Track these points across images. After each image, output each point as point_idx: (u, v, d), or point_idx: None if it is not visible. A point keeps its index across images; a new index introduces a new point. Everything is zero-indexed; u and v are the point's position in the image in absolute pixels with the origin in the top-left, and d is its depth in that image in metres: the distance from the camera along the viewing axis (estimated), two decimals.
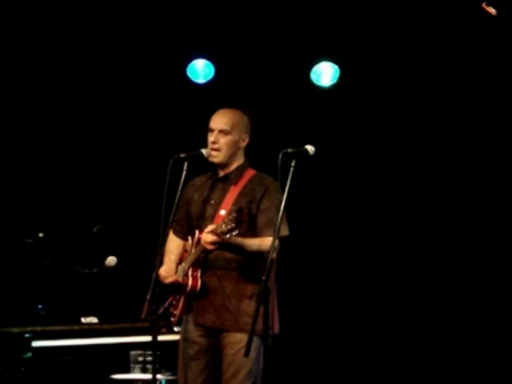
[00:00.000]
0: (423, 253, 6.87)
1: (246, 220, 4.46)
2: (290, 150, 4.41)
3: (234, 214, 4.40)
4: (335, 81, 6.96)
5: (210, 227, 4.53)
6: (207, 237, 4.52)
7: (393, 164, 6.91)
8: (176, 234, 4.93)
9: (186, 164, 4.63)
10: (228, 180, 4.80)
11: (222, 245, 4.52)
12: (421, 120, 6.83)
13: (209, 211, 4.77)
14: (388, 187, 6.93)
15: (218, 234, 4.45)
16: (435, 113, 6.80)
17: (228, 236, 4.44)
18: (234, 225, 4.39)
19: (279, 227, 4.33)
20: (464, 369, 6.60)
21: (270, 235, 4.46)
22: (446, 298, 6.77)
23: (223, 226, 4.43)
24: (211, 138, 4.77)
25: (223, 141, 4.76)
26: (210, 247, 4.54)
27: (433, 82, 6.76)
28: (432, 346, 6.75)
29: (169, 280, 4.76)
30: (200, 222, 4.78)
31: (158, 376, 5.47)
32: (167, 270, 4.78)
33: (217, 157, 4.76)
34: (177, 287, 4.77)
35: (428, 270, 6.83)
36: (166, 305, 4.84)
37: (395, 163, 6.91)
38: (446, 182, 6.83)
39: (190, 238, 4.83)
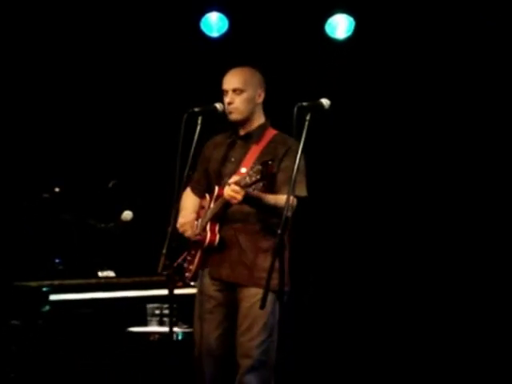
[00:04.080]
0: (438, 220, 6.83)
1: (271, 174, 4.38)
2: (304, 104, 4.37)
3: (259, 167, 4.33)
4: (350, 33, 6.90)
5: (234, 178, 4.47)
6: (231, 188, 4.46)
7: (409, 116, 6.86)
8: (194, 191, 4.92)
9: (200, 118, 4.59)
10: (250, 138, 4.77)
11: (245, 196, 4.47)
12: (438, 73, 6.76)
13: (229, 168, 4.75)
14: (405, 140, 6.88)
15: (241, 186, 4.41)
16: (453, 66, 6.72)
17: (252, 189, 4.40)
18: (258, 177, 4.33)
19: (294, 184, 4.27)
20: (466, 367, 6.59)
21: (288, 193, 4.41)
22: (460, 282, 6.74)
23: (247, 178, 4.38)
24: (226, 99, 4.73)
25: (239, 99, 4.72)
26: (233, 200, 4.48)
27: (452, 37, 6.67)
28: (438, 325, 6.75)
29: (189, 233, 4.76)
30: (219, 179, 4.76)
31: (175, 329, 5.53)
32: (186, 222, 4.77)
33: (235, 115, 4.74)
34: (194, 242, 4.78)
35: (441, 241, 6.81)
36: (180, 260, 4.85)
37: (411, 116, 6.86)
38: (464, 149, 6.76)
39: (207, 195, 4.81)
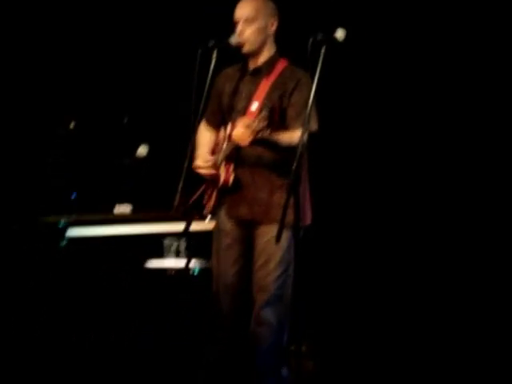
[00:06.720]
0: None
1: (278, 119, 4.40)
2: (319, 37, 4.32)
3: (267, 113, 4.35)
4: None
5: (242, 122, 4.47)
6: (239, 131, 4.47)
7: (428, 53, 6.74)
8: (209, 124, 4.91)
9: (215, 52, 4.57)
10: (259, 72, 4.74)
11: (253, 141, 4.47)
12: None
13: (240, 104, 4.73)
14: (423, 77, 6.78)
15: (250, 130, 4.40)
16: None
17: (260, 134, 4.40)
18: (266, 123, 4.35)
19: (309, 119, 4.27)
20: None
21: (298, 128, 4.42)
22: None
23: (256, 122, 4.38)
24: (238, 29, 4.68)
25: (249, 30, 4.68)
26: (242, 143, 4.49)
27: None
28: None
29: (204, 171, 4.76)
30: (232, 115, 4.75)
31: (191, 264, 5.56)
32: (204, 161, 4.77)
33: (247, 47, 4.69)
34: (211, 180, 4.79)
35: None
36: (199, 192, 4.88)
37: (430, 51, 6.74)
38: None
39: (222, 129, 4.82)
